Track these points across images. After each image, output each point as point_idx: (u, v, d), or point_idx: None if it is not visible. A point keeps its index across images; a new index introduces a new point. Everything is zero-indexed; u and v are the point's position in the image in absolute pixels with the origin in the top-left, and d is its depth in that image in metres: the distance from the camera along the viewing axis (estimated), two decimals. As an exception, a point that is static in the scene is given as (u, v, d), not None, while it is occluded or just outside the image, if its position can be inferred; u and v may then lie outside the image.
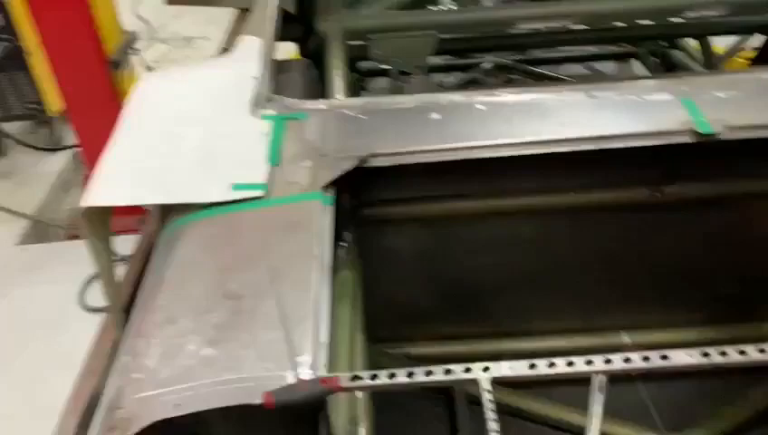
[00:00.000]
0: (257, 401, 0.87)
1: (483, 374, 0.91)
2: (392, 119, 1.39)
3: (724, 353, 0.91)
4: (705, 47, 2.40)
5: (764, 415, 1.63)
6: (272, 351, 0.95)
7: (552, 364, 0.92)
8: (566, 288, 1.74)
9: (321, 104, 1.43)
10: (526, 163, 1.33)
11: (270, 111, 1.39)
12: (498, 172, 1.48)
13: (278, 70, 1.56)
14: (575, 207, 1.62)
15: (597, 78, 3.03)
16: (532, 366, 0.92)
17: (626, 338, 1.80)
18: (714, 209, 1.61)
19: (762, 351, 0.91)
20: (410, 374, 0.90)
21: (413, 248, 1.69)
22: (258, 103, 1.39)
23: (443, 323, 1.80)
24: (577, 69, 3.23)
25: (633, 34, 2.20)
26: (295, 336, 0.96)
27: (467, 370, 0.91)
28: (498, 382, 0.90)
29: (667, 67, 2.60)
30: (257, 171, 1.25)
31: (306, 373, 0.91)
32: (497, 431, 0.85)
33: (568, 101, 1.41)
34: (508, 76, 3.18)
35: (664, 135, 1.31)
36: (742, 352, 0.91)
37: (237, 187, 1.23)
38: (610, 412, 0.95)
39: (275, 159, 1.28)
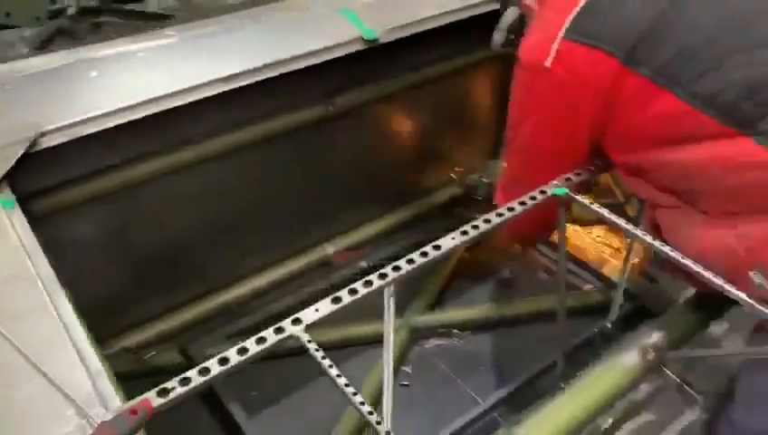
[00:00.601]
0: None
1: (296, 328, 0.86)
2: (45, 84, 1.13)
3: (476, 227, 1.04)
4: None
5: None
6: (39, 406, 0.73)
7: (353, 290, 0.92)
8: (268, 221, 1.73)
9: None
10: (205, 106, 1.25)
11: None
12: (177, 121, 1.35)
13: None
14: (258, 140, 1.58)
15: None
16: (336, 300, 0.91)
17: (330, 248, 1.90)
18: (381, 110, 1.76)
19: (500, 214, 1.06)
20: (242, 351, 0.81)
21: (100, 231, 1.45)
22: None
23: (156, 300, 1.62)
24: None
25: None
26: (61, 374, 0.76)
27: (279, 329, 0.85)
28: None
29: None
30: None
31: (102, 413, 0.73)
32: (337, 371, 0.83)
33: (235, 32, 1.34)
34: (95, 20, 2.86)
35: (335, 48, 1.36)
36: (487, 221, 1.05)
37: None
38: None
39: None
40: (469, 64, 1.80)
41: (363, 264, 1.90)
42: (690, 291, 1.27)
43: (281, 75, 1.31)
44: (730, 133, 0.91)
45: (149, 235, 1.53)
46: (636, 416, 1.12)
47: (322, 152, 1.73)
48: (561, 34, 1.07)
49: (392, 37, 1.40)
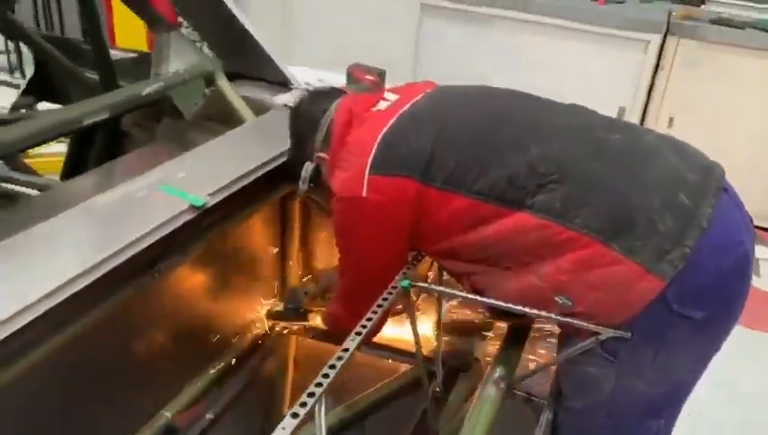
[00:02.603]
0: None
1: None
2: None
3: (350, 345, 1.29)
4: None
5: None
6: None
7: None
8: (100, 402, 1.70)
9: None
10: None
11: None
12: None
13: None
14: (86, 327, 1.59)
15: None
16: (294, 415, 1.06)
17: (167, 414, 1.90)
18: (196, 266, 1.90)
19: (363, 327, 1.33)
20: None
21: None
22: None
23: None
24: None
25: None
26: None
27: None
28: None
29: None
30: None
31: None
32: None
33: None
34: None
35: (171, 222, 1.51)
36: (358, 333, 1.31)
37: None
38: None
39: None
40: (259, 209, 2.07)
41: (210, 416, 1.95)
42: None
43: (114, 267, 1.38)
44: (508, 212, 1.35)
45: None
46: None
47: (145, 319, 1.80)
48: (367, 171, 1.43)
49: (215, 200, 1.61)
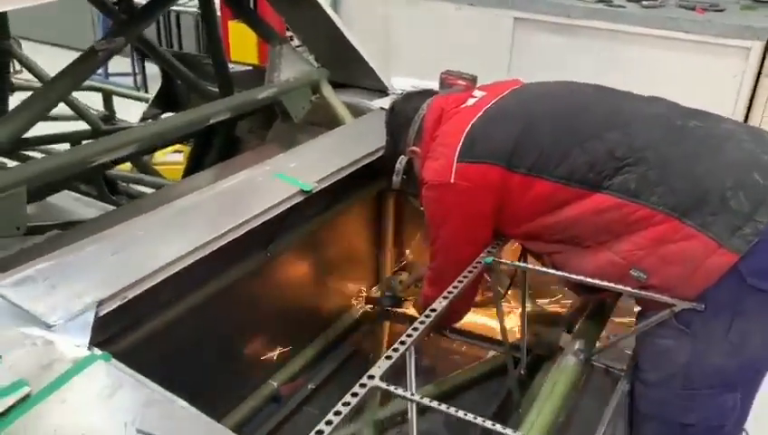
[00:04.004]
0: None
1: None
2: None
3: (434, 310, 1.44)
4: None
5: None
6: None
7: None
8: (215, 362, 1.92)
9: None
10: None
11: None
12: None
13: None
14: (208, 297, 1.82)
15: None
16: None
17: (274, 384, 2.12)
18: (307, 248, 2.10)
19: (450, 293, 1.48)
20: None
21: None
22: None
23: None
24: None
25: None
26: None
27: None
28: None
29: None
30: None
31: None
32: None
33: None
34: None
35: (284, 202, 1.72)
36: (434, 309, 1.46)
37: None
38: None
39: None
40: (358, 202, 2.26)
41: (311, 386, 2.15)
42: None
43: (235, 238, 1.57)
44: (587, 193, 1.45)
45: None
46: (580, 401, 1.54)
47: (259, 295, 2.03)
48: (455, 159, 1.58)
49: (320, 187, 1.81)
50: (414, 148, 1.77)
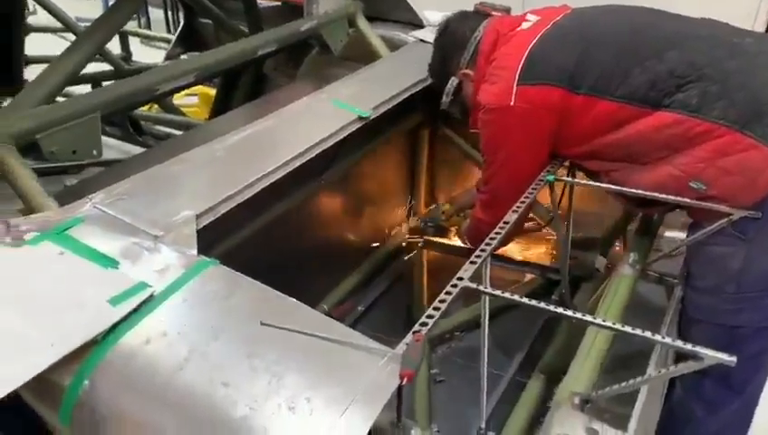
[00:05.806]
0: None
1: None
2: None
3: (499, 232, 1.52)
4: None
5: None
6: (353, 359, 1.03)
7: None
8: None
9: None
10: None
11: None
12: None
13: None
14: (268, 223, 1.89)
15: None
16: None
17: (325, 306, 2.21)
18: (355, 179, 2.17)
19: (515, 210, 1.56)
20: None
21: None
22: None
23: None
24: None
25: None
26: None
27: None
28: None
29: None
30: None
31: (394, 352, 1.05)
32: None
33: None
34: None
35: (346, 128, 1.77)
36: (504, 224, 1.53)
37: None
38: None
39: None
40: (395, 134, 2.32)
41: (361, 308, 2.25)
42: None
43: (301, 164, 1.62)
44: (648, 111, 1.52)
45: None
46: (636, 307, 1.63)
47: (308, 223, 2.10)
48: (515, 82, 1.63)
49: (376, 114, 1.86)
50: (466, 70, 1.81)
